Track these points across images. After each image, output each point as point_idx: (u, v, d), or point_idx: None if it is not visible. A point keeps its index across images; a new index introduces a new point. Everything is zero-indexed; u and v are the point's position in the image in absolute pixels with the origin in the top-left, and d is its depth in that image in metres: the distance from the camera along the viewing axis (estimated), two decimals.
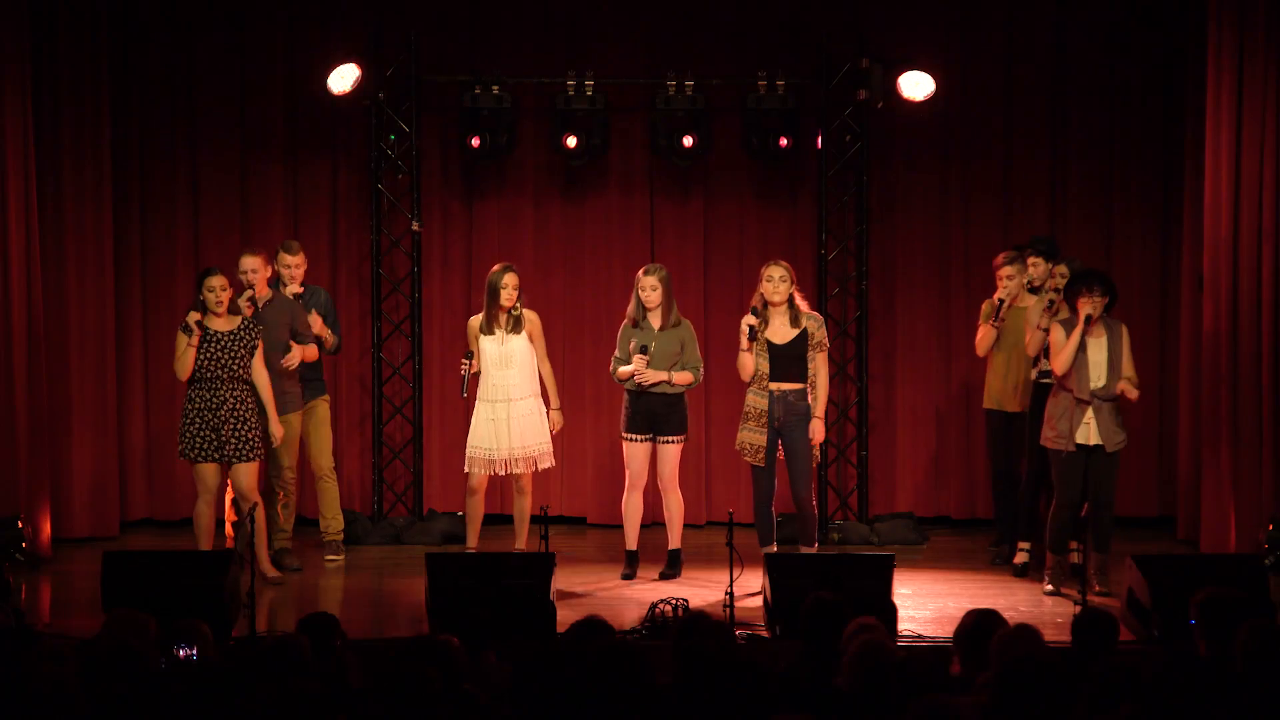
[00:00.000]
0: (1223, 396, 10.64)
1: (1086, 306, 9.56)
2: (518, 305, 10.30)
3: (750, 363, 9.94)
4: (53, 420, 11.19)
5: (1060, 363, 9.52)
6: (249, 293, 10.07)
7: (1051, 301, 10.09)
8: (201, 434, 9.78)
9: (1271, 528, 10.43)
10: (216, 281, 9.75)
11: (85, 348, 11.45)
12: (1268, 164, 10.51)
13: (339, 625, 6.36)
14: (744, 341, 9.93)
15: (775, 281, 9.94)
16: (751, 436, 9.94)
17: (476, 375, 10.29)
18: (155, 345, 11.95)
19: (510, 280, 10.26)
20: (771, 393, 9.92)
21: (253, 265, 10.16)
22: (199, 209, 11.97)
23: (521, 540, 10.45)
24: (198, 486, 9.86)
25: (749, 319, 9.94)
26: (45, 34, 11.08)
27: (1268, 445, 10.56)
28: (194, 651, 6.09)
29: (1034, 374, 10.23)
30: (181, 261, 11.95)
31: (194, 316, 9.71)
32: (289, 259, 10.50)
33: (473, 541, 10.45)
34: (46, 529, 10.89)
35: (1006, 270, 10.43)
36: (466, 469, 10.39)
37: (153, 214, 11.95)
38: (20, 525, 10.61)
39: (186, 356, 9.71)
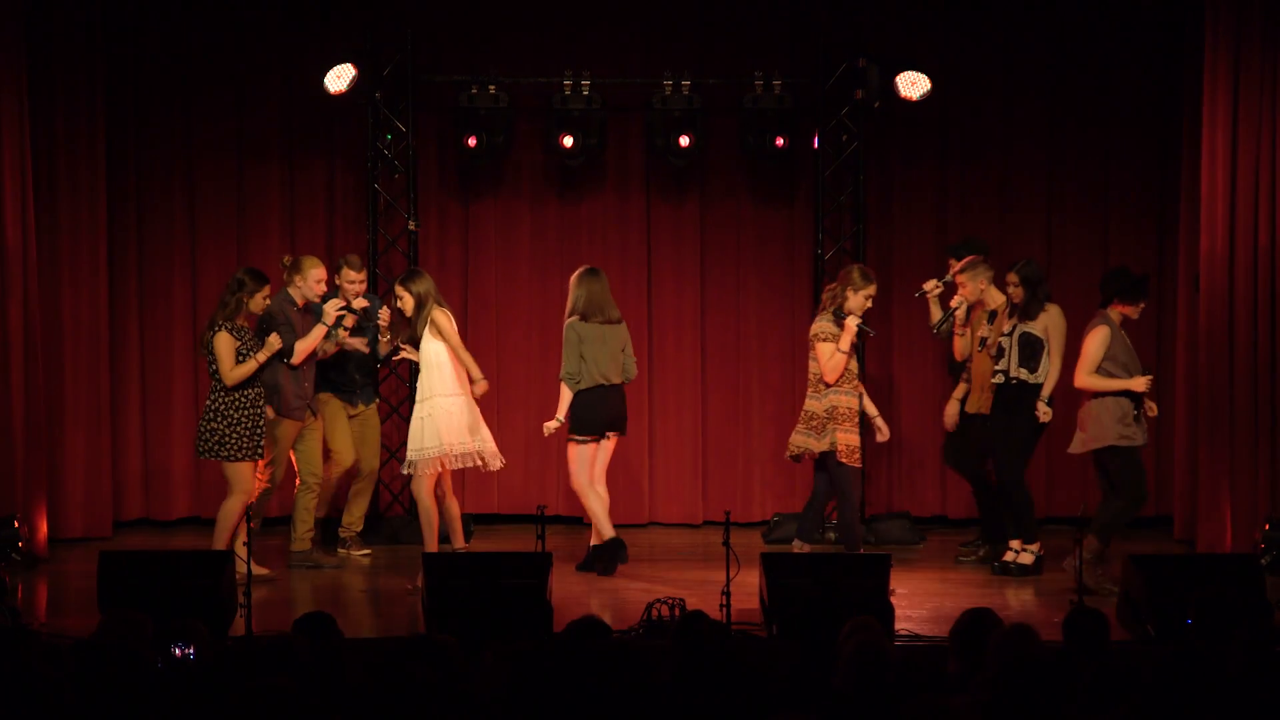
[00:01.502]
0: (1219, 396, 10.65)
1: (1136, 314, 9.95)
2: (418, 311, 9.93)
3: (843, 364, 9.94)
4: (48, 420, 11.19)
5: (1110, 386, 9.78)
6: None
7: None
8: (255, 431, 9.86)
9: (1268, 527, 10.44)
10: (268, 289, 9.96)
11: (80, 348, 11.44)
12: (1263, 164, 10.53)
13: (335, 625, 6.35)
14: (846, 343, 9.92)
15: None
16: (853, 438, 9.93)
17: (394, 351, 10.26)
18: (151, 345, 11.95)
19: (396, 290, 10.05)
20: (862, 394, 10.05)
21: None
22: (195, 208, 11.96)
23: (430, 544, 10.04)
24: (238, 486, 9.83)
25: (856, 319, 9.93)
26: (41, 34, 11.07)
27: (1264, 445, 10.58)
28: (190, 651, 6.08)
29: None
30: (178, 260, 11.95)
31: (267, 352, 9.83)
32: (355, 275, 10.61)
33: (458, 541, 10.24)
34: (43, 528, 10.89)
35: (960, 278, 10.50)
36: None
37: (149, 213, 11.95)
38: (16, 525, 10.60)
39: (247, 369, 9.78)
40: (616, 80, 11.78)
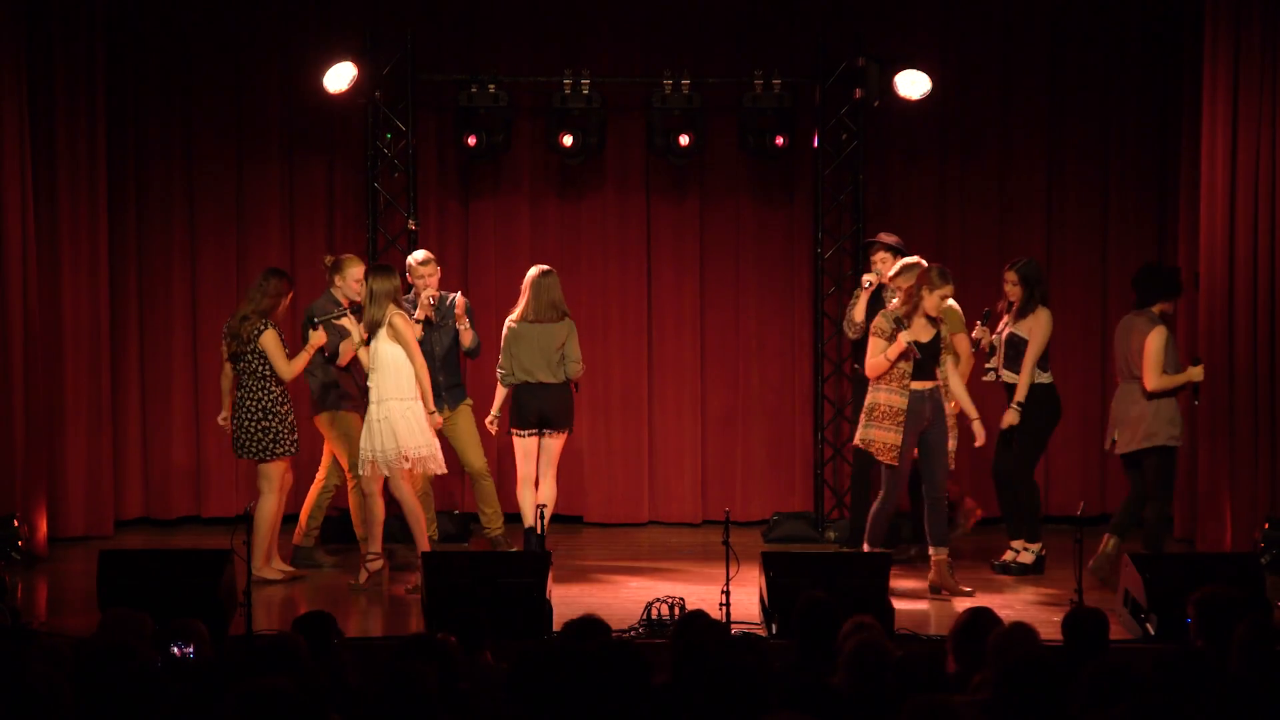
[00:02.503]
0: (1218, 395, 10.65)
1: (1172, 309, 10.11)
2: (369, 304, 9.78)
3: (884, 366, 9.67)
4: (48, 419, 11.18)
5: (1177, 381, 9.97)
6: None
7: (988, 313, 10.17)
8: (294, 426, 10.03)
9: (1268, 526, 10.45)
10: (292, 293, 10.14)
11: (80, 346, 11.44)
12: (1263, 161, 10.53)
13: (335, 624, 6.35)
14: (893, 354, 9.58)
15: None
16: (886, 435, 9.59)
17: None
18: (151, 344, 11.95)
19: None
20: (918, 392, 9.62)
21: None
22: (195, 207, 11.96)
23: (421, 543, 9.84)
24: (277, 484, 9.94)
25: (909, 336, 9.58)
26: (41, 33, 11.06)
27: (1264, 443, 10.58)
28: (190, 650, 6.09)
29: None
30: (178, 260, 11.95)
31: (316, 343, 9.93)
32: (422, 269, 10.52)
33: (374, 546, 9.88)
34: (43, 527, 10.88)
35: (897, 280, 10.41)
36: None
37: (149, 212, 11.95)
38: (16, 524, 10.60)
39: (301, 361, 9.93)
40: (616, 79, 11.78)
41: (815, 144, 11.72)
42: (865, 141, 11.72)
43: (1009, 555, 10.29)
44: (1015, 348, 10.10)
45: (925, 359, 9.67)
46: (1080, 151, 12.07)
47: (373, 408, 9.72)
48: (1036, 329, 10.10)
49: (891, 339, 9.58)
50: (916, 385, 9.62)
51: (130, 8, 11.74)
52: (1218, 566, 8.86)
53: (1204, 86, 10.72)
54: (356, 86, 11.24)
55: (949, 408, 9.84)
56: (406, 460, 9.67)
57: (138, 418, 11.96)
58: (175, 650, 6.07)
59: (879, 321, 9.70)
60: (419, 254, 10.58)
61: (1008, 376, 10.16)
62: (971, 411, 9.81)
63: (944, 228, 12.08)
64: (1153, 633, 8.38)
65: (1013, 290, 10.18)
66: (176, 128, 11.90)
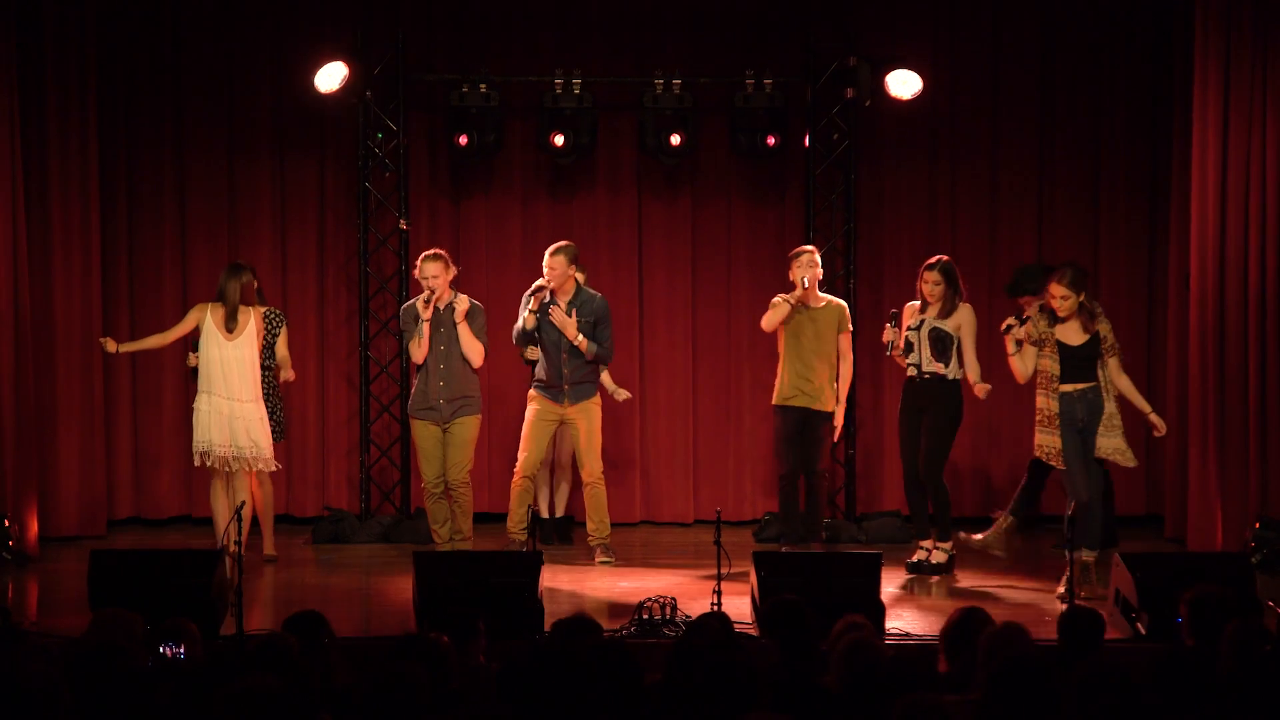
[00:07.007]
0: (1209, 395, 10.67)
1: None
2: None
3: (1017, 366, 9.64)
4: (39, 418, 11.17)
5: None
6: (425, 295, 10.42)
7: (895, 314, 10.17)
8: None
9: (1258, 525, 10.45)
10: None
11: (71, 346, 11.42)
12: (1254, 162, 10.54)
13: (326, 624, 6.34)
14: (1010, 346, 9.61)
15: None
16: (1048, 439, 9.54)
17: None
18: None
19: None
20: (1066, 394, 9.51)
21: (434, 271, 10.35)
22: (186, 207, 11.96)
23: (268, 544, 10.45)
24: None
25: (1018, 332, 9.59)
26: (32, 32, 11.04)
27: (1254, 443, 10.59)
28: (181, 650, 6.07)
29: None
30: (169, 259, 11.94)
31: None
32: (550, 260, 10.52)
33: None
34: (34, 527, 10.86)
35: (802, 272, 10.42)
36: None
37: (140, 212, 11.94)
38: (7, 524, 10.58)
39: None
40: (608, 79, 11.79)
41: (806, 143, 11.73)
42: (856, 141, 11.73)
43: (920, 555, 10.26)
44: (942, 341, 10.11)
45: (1076, 362, 9.52)
46: (1071, 151, 12.09)
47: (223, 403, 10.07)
48: (967, 325, 10.12)
49: (1037, 341, 9.51)
50: (1065, 388, 9.50)
51: (122, 6, 11.72)
52: (1209, 566, 8.85)
53: (1195, 86, 10.73)
54: (347, 86, 11.24)
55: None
56: (211, 459, 10.11)
57: (129, 417, 11.95)
58: (166, 650, 6.06)
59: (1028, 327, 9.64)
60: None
61: (934, 367, 10.14)
62: (1144, 406, 9.78)
63: (935, 227, 12.10)
64: (1143, 632, 8.39)
65: (934, 289, 10.17)
66: (168, 127, 11.90)
